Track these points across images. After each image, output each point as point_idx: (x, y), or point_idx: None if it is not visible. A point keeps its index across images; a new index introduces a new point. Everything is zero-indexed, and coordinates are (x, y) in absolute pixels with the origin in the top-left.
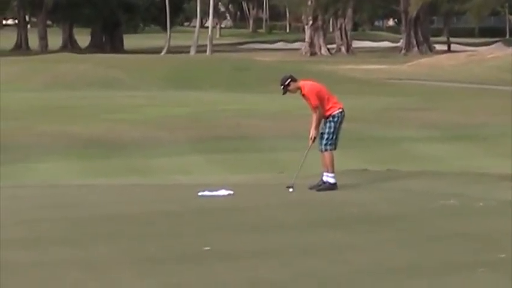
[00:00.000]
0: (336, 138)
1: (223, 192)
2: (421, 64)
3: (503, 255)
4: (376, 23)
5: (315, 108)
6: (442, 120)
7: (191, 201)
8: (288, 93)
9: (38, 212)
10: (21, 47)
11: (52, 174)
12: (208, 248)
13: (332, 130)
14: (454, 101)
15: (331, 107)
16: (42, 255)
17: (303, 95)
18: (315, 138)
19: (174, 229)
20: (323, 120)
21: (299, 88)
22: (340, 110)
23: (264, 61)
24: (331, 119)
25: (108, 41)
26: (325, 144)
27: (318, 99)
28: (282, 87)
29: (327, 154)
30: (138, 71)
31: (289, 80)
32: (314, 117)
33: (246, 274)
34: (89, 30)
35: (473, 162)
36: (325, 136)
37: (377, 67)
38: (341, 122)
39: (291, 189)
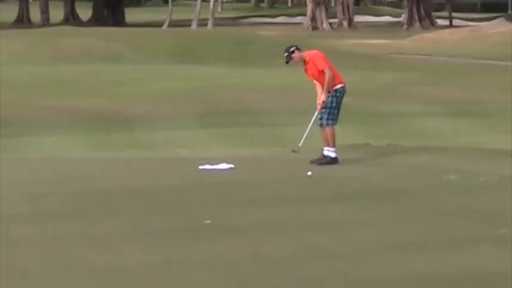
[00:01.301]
0: (337, 113)
1: (224, 166)
2: (423, 39)
3: (505, 231)
4: None
5: (321, 72)
6: (444, 95)
7: (194, 175)
8: (290, 63)
9: (41, 186)
10: (22, 21)
11: (55, 148)
12: (209, 221)
13: (334, 105)
14: (457, 77)
15: (334, 80)
16: (45, 229)
17: (307, 64)
18: (323, 102)
19: (176, 203)
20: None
21: (303, 58)
22: (342, 84)
23: (267, 35)
24: (333, 93)
25: (110, 14)
26: (327, 119)
27: (326, 63)
28: (286, 54)
29: (328, 129)
30: (141, 45)
31: (294, 48)
32: (319, 86)
33: (248, 248)
34: (90, 3)
35: (476, 138)
36: (327, 111)
37: (379, 42)
38: (342, 97)
39: (309, 173)
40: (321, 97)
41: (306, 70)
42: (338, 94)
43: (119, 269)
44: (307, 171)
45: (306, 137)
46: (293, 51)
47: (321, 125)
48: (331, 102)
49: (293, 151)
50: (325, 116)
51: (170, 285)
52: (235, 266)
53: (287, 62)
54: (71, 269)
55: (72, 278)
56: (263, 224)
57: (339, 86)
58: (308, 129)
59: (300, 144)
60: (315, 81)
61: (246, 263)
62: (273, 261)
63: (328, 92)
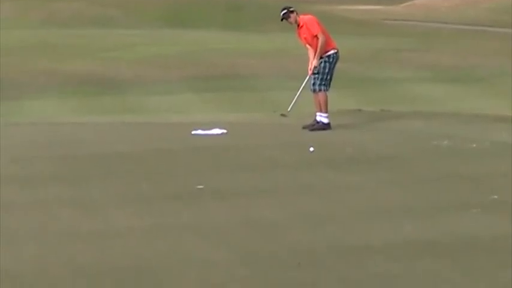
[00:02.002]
0: (330, 78)
1: (216, 131)
2: (416, 5)
3: (496, 197)
4: None
5: (314, 37)
6: (437, 61)
7: (185, 140)
8: (284, 22)
9: (31, 150)
10: None
11: (46, 112)
12: (201, 186)
13: (327, 70)
14: (449, 43)
15: (327, 46)
16: (35, 193)
17: (300, 28)
18: (315, 67)
19: (167, 168)
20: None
21: (297, 22)
22: (335, 50)
23: (258, 0)
24: (326, 59)
25: None
26: (319, 85)
27: (320, 28)
28: (285, 12)
29: (321, 94)
30: (132, 9)
31: (293, 9)
32: (311, 51)
33: (240, 213)
34: None
35: (468, 104)
36: (319, 76)
37: (372, 7)
38: (335, 63)
39: (311, 149)
40: (313, 62)
41: (299, 34)
42: (331, 60)
43: (108, 233)
44: (310, 147)
45: (295, 102)
46: (292, 12)
47: (314, 90)
48: (324, 67)
49: (282, 115)
50: (318, 82)
51: (161, 250)
52: (226, 230)
53: (282, 20)
54: (60, 233)
55: (61, 242)
56: (255, 189)
57: (332, 52)
58: (298, 93)
59: (289, 109)
60: (307, 46)
61: (238, 227)
62: (264, 226)
63: (321, 57)
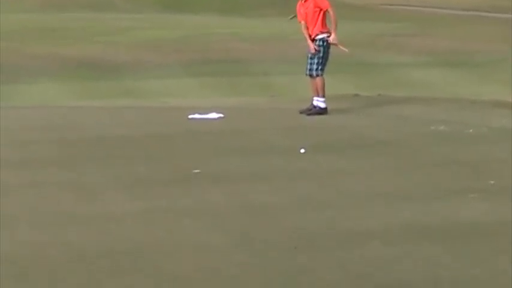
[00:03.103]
0: (326, 63)
1: (213, 115)
2: None
3: (493, 182)
4: None
5: (319, 12)
6: (435, 46)
7: (182, 124)
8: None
9: (29, 133)
10: None
11: (44, 96)
12: (198, 170)
13: (322, 55)
14: (448, 28)
15: (323, 28)
16: (33, 176)
17: (305, 1)
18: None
19: (164, 152)
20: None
21: None
22: (329, 34)
23: None
24: (321, 43)
25: None
26: (316, 69)
27: (329, 4)
28: None
29: (318, 79)
30: None
31: None
32: (306, 30)
33: (236, 197)
34: None
35: (466, 89)
36: (315, 61)
37: None
38: (329, 47)
39: (302, 150)
40: (333, 36)
41: (299, 8)
42: (326, 44)
43: (106, 216)
44: (301, 149)
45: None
46: None
47: (311, 75)
48: (320, 51)
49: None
50: (315, 67)
51: (157, 234)
52: (223, 214)
53: None
54: (58, 216)
55: (59, 226)
56: (251, 173)
57: (326, 35)
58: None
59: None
60: (302, 23)
61: (234, 212)
62: (260, 210)
63: (314, 40)
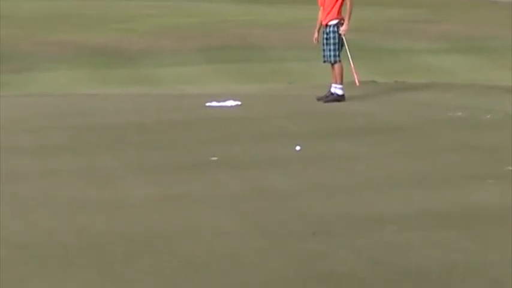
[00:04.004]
0: (341, 48)
1: (231, 103)
2: None
3: (510, 168)
4: None
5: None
6: (451, 32)
7: (198, 111)
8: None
9: (43, 120)
10: None
11: (58, 83)
12: (215, 158)
13: (337, 41)
14: (464, 13)
15: (337, 14)
16: (48, 163)
17: None
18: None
19: (180, 138)
20: (324, 30)
21: None
22: (343, 22)
23: None
24: (334, 29)
25: None
26: (334, 56)
27: None
28: None
29: (337, 65)
30: None
31: None
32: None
33: (252, 183)
34: None
35: (482, 75)
36: (332, 47)
37: None
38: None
39: (298, 147)
40: (345, 27)
41: None
42: (338, 30)
43: (121, 203)
44: (296, 146)
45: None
46: None
47: (330, 61)
48: (334, 38)
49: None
50: (332, 53)
51: (173, 220)
52: (238, 200)
53: None
54: (72, 203)
55: (73, 212)
56: (268, 159)
57: (340, 21)
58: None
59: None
60: (321, 8)
61: (250, 198)
62: (276, 196)
63: (327, 25)
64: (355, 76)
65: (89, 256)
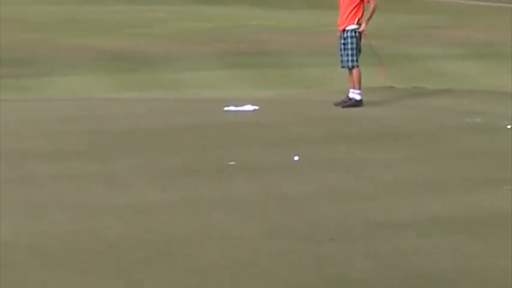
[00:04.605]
0: (358, 53)
1: (248, 107)
2: None
3: None
4: None
5: (359, 1)
6: (468, 38)
7: (216, 116)
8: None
9: (61, 125)
10: None
11: (76, 88)
12: (233, 162)
13: (355, 46)
14: (481, 19)
15: (354, 18)
16: (65, 168)
17: None
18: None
19: (198, 143)
20: (341, 35)
21: None
22: (362, 28)
23: None
24: (352, 34)
25: None
26: (352, 61)
27: None
28: None
29: (355, 71)
30: None
31: None
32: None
33: (269, 188)
34: None
35: (499, 81)
36: (350, 52)
37: None
38: (360, 37)
39: (296, 158)
40: (363, 26)
41: None
42: (358, 35)
43: (138, 207)
44: (294, 156)
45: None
46: None
47: (348, 67)
48: (351, 43)
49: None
50: (350, 58)
51: (189, 225)
52: (255, 205)
53: None
54: (89, 207)
55: (90, 217)
56: (285, 164)
57: (357, 26)
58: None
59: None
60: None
61: (266, 202)
62: (292, 201)
63: (345, 30)
64: (383, 67)
65: (105, 261)
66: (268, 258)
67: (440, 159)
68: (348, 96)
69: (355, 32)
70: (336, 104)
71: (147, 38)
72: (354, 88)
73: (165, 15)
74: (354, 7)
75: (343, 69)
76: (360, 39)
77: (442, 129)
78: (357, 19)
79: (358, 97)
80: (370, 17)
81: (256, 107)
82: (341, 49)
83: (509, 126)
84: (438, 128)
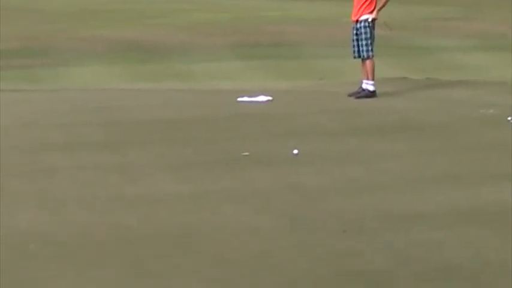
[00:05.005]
0: (373, 43)
1: (262, 98)
2: None
3: None
4: None
5: None
6: (483, 29)
7: (230, 107)
8: None
9: (77, 116)
10: None
11: (92, 79)
12: (247, 153)
13: (369, 36)
14: (496, 11)
15: (371, 8)
16: (81, 158)
17: None
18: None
19: (212, 134)
20: (354, 26)
21: None
22: (373, 15)
23: None
24: (366, 24)
25: None
26: (367, 51)
27: None
28: None
29: (369, 61)
30: None
31: None
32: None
33: (284, 180)
34: None
35: None
36: (364, 42)
37: None
38: (374, 27)
39: (295, 151)
40: (374, 14)
41: None
42: (372, 25)
43: (153, 199)
44: (294, 150)
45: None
46: None
47: (362, 57)
48: (366, 33)
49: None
50: (365, 48)
51: (204, 216)
52: (271, 197)
53: None
54: (105, 199)
55: (106, 208)
56: (299, 155)
57: (370, 16)
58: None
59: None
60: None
61: (280, 194)
62: (307, 192)
63: (358, 21)
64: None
65: (121, 252)
66: (283, 250)
67: (455, 151)
68: (361, 87)
69: (368, 22)
70: (350, 95)
71: (162, 28)
72: (368, 79)
73: (187, 7)
74: (366, 0)
75: (357, 60)
76: (374, 29)
77: (456, 120)
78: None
79: (371, 88)
80: (382, 6)
81: (270, 98)
82: (353, 40)
83: (509, 118)
84: (452, 119)
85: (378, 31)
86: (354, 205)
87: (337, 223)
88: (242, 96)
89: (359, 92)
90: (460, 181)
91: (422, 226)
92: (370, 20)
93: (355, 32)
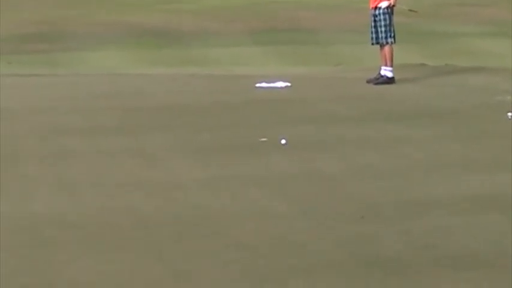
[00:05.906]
0: (393, 29)
1: (280, 84)
2: None
3: None
4: None
5: None
6: (501, 16)
7: (248, 93)
8: None
9: (93, 100)
10: None
11: (108, 64)
12: (265, 139)
13: (388, 22)
14: None
15: None
16: (99, 143)
17: None
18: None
19: (229, 119)
20: (373, 13)
21: None
22: (393, 2)
23: None
24: (385, 10)
25: None
26: (386, 37)
27: None
28: None
29: (387, 47)
30: None
31: None
32: None
33: (301, 165)
34: None
35: None
36: (383, 29)
37: None
38: (393, 13)
39: (283, 141)
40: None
41: None
42: (391, 11)
43: (170, 184)
44: (281, 140)
45: None
46: None
47: (382, 43)
48: (385, 19)
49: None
50: (384, 35)
51: (222, 201)
52: (286, 182)
53: None
54: (122, 183)
55: (123, 193)
56: (317, 141)
57: (389, 2)
58: None
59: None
60: None
61: (298, 179)
62: (325, 178)
63: (377, 8)
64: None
65: (138, 236)
66: (300, 235)
67: (472, 138)
68: (379, 73)
69: (387, 8)
70: (368, 81)
71: (179, 14)
72: (386, 65)
73: None
74: None
75: (375, 46)
76: (393, 14)
77: (474, 107)
78: None
79: (390, 74)
80: None
81: (288, 84)
82: (372, 26)
83: (509, 114)
84: (469, 106)
85: (396, 18)
86: (371, 191)
87: (354, 209)
88: (260, 82)
89: (377, 78)
90: (477, 167)
91: (439, 212)
92: (389, 6)
93: (373, 18)
